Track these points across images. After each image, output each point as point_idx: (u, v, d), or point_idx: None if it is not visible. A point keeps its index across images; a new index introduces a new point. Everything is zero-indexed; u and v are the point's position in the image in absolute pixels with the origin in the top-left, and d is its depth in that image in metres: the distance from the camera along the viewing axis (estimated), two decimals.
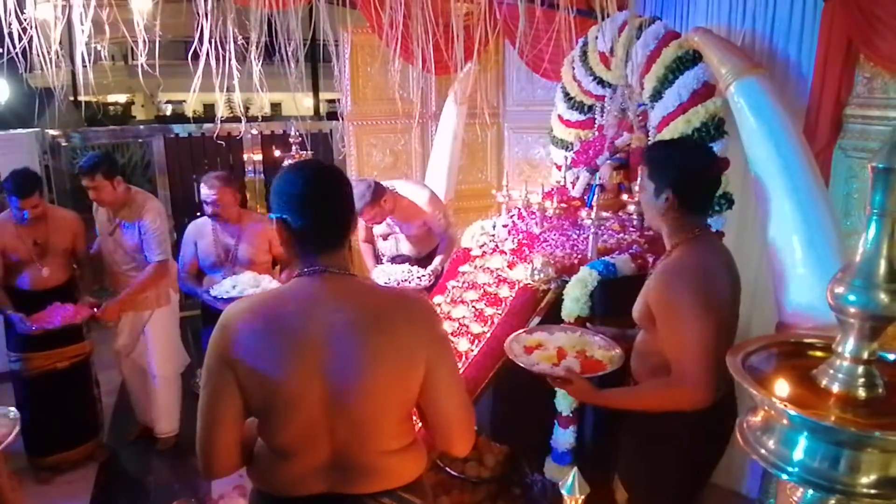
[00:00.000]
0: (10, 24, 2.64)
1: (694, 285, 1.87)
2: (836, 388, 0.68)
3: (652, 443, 2.05)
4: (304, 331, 1.48)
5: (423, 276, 3.77)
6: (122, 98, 17.66)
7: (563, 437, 2.86)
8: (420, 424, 1.74)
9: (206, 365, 1.50)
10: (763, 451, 0.66)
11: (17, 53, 2.71)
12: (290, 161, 4.13)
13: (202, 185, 3.61)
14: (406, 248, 3.99)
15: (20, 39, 2.68)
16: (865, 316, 0.67)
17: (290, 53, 3.00)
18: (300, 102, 14.79)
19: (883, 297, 0.66)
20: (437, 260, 3.91)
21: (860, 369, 0.67)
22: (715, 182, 2.06)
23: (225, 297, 3.31)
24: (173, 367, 4.05)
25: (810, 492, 0.65)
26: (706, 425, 1.98)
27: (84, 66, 2.76)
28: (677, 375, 1.87)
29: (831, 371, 0.70)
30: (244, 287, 3.32)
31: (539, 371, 2.11)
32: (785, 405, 0.65)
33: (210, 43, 2.87)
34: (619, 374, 2.17)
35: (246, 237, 3.68)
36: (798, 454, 0.65)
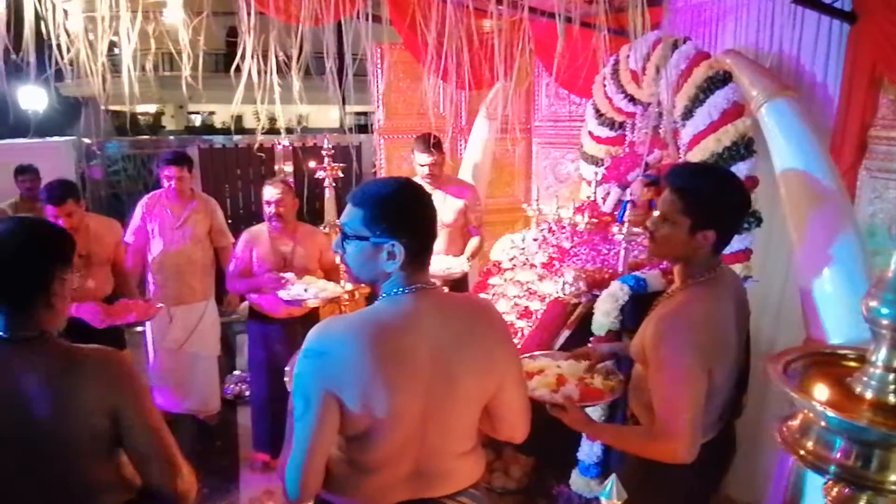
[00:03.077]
0: (57, 36, 2.76)
1: (692, 345, 1.80)
2: (869, 395, 0.74)
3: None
4: (413, 349, 1.48)
5: (463, 262, 3.92)
6: (151, 108, 17.94)
7: (591, 450, 2.88)
8: None
9: (305, 394, 1.47)
10: (802, 451, 0.72)
11: (64, 65, 2.83)
12: (322, 173, 4.22)
13: (267, 186, 3.75)
14: (439, 245, 4.07)
15: (68, 51, 2.80)
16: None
17: (328, 68, 3.10)
18: (326, 114, 14.92)
19: None
20: (468, 248, 4.09)
21: (891, 377, 0.73)
22: None
23: (297, 299, 3.40)
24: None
25: (845, 489, 0.70)
26: (707, 451, 1.94)
27: (129, 76, 2.86)
28: (661, 430, 1.83)
29: (865, 378, 0.75)
30: (316, 290, 3.42)
31: (537, 397, 2.08)
32: (825, 409, 0.71)
33: (252, 57, 2.97)
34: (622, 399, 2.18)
35: (301, 245, 3.78)
36: (834, 454, 0.71)
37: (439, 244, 4.06)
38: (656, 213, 1.97)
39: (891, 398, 0.72)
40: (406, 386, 1.48)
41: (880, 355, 0.73)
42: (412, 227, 1.52)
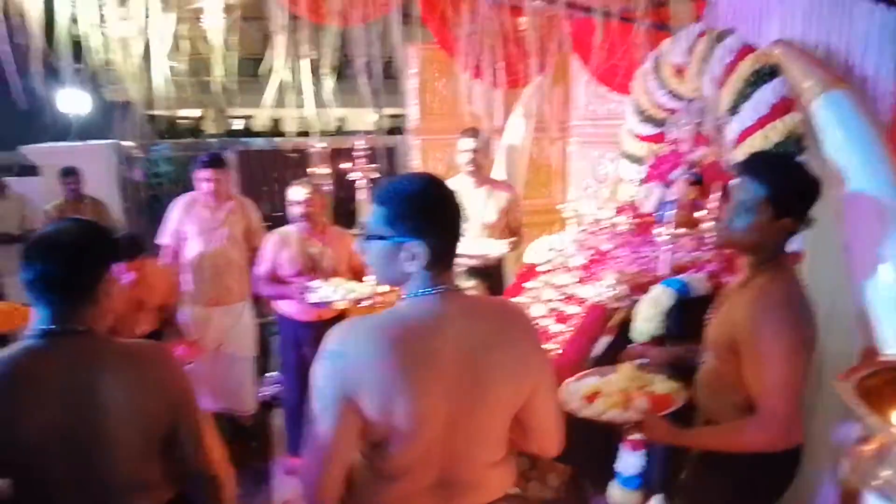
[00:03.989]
0: (96, 41, 2.77)
1: (793, 321, 1.83)
2: None
3: (713, 476, 2.03)
4: (437, 352, 1.44)
5: (502, 245, 3.94)
6: (193, 113, 18.31)
7: (632, 461, 2.77)
8: None
9: (323, 397, 1.45)
10: (877, 482, 0.63)
11: (102, 69, 2.85)
12: (356, 174, 4.22)
13: (294, 187, 3.77)
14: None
15: (104, 55, 2.81)
16: None
17: (366, 69, 3.08)
18: (362, 117, 15.05)
19: None
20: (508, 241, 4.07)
21: None
22: None
23: (326, 300, 3.42)
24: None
25: None
26: (770, 462, 1.93)
27: (165, 81, 2.86)
28: (767, 415, 1.82)
29: None
30: (345, 291, 3.40)
31: (609, 419, 2.05)
32: None
33: (287, 59, 2.95)
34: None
35: (330, 246, 3.79)
36: None
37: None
38: (732, 203, 1.98)
39: None
40: (430, 389, 1.43)
41: None
42: (435, 226, 1.46)
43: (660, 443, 2.23)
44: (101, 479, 1.68)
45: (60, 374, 1.63)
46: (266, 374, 5.10)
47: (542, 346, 1.68)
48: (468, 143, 3.96)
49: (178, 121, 17.37)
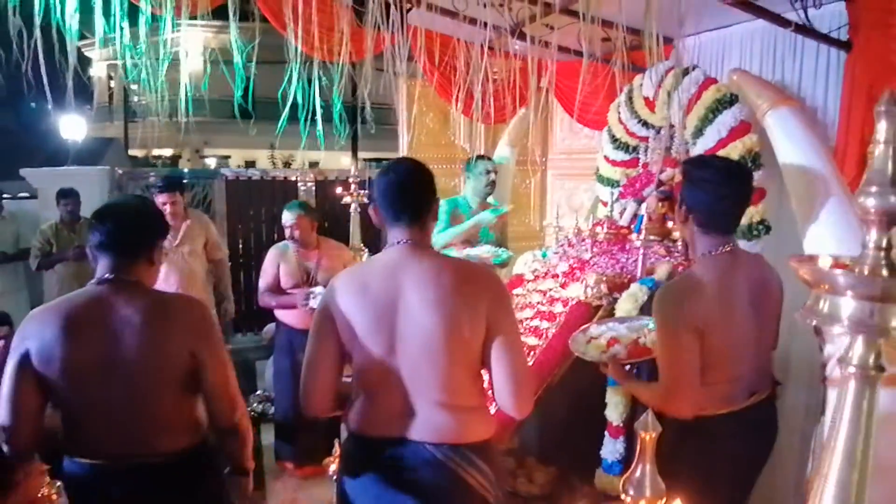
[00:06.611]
0: (89, 79, 2.93)
1: (673, 310, 2.06)
2: (866, 271, 0.92)
3: (685, 443, 2.07)
4: (381, 287, 1.80)
5: (506, 251, 4.24)
6: (168, 152, 18.37)
7: (614, 447, 2.92)
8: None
9: (314, 319, 1.91)
10: (819, 317, 0.90)
11: (88, 109, 3.01)
12: (348, 199, 4.51)
13: (284, 212, 4.04)
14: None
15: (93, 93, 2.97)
16: (881, 213, 0.91)
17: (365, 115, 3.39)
18: (337, 159, 15.24)
19: (892, 199, 0.90)
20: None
21: (882, 254, 0.91)
22: (737, 204, 2.15)
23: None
24: None
25: (859, 338, 0.89)
26: (743, 426, 2.14)
27: (186, 120, 3.02)
28: (663, 387, 2.09)
29: (861, 259, 0.93)
30: None
31: (589, 358, 2.46)
32: (831, 270, 0.90)
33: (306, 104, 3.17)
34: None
35: (324, 260, 4.03)
36: (845, 311, 0.89)
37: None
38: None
39: (884, 272, 0.90)
40: (372, 315, 1.79)
41: (871, 238, 0.91)
42: (376, 192, 1.89)
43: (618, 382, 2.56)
44: (132, 412, 1.93)
45: (108, 315, 1.91)
46: (254, 393, 5.22)
47: (502, 304, 1.87)
48: (489, 165, 4.23)
49: (153, 160, 17.41)
